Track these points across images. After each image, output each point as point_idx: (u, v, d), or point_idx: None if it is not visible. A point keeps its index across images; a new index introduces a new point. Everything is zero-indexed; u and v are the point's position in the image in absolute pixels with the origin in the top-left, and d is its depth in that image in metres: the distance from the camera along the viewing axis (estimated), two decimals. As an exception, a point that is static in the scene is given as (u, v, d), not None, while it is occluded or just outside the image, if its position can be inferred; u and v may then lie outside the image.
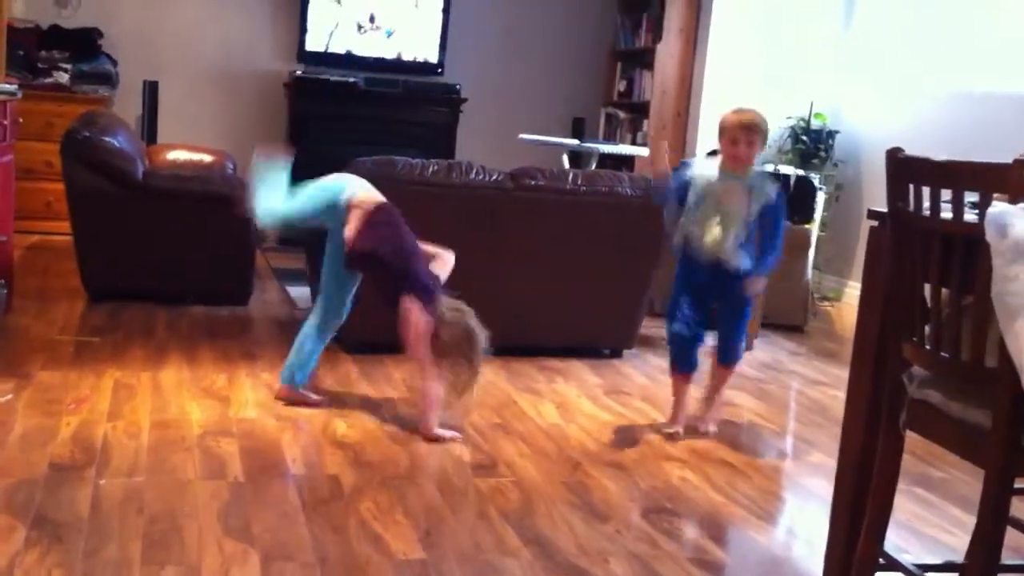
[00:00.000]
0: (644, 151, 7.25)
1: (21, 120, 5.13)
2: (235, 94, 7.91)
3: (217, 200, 5.12)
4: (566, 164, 6.86)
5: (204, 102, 7.83)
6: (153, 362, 4.16)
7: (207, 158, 6.06)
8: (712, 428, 3.93)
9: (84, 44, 7.23)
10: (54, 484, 2.86)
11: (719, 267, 3.77)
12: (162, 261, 5.12)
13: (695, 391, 4.01)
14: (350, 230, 3.61)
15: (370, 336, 4.52)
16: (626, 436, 3.79)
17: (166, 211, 5.07)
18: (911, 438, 2.40)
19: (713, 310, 3.89)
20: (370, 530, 2.76)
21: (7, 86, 4.61)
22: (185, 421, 3.50)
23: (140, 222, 5.07)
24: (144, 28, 7.62)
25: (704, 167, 3.85)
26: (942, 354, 2.22)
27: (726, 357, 3.95)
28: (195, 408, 3.64)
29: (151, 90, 7.26)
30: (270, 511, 2.84)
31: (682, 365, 3.88)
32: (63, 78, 7.04)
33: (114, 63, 7.34)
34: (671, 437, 3.81)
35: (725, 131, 3.75)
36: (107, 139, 5.06)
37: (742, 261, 3.76)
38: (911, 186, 2.26)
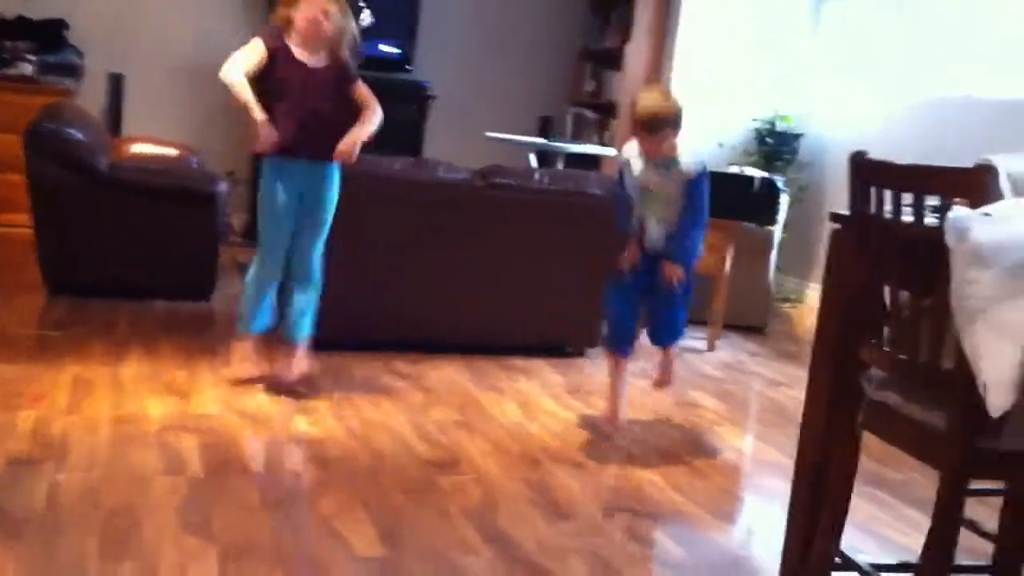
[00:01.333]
0: (611, 151, 7.26)
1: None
2: (201, 88, 7.82)
3: (182, 194, 5.09)
4: (533, 163, 6.87)
5: (171, 95, 7.76)
6: (113, 357, 4.12)
7: (172, 152, 6.02)
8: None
9: (50, 35, 7.15)
10: (11, 479, 2.83)
11: (651, 254, 3.79)
12: (125, 255, 5.07)
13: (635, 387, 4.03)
14: None
15: (334, 334, 4.51)
16: (588, 435, 3.80)
17: (130, 205, 5.02)
18: (868, 439, 2.42)
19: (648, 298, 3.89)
20: (330, 528, 2.75)
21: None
22: (145, 416, 3.47)
23: (103, 215, 5.02)
24: (111, 20, 7.54)
25: (633, 152, 3.80)
26: (900, 356, 2.24)
27: (667, 337, 3.93)
28: (155, 403, 3.62)
29: (116, 82, 7.20)
30: (230, 508, 2.83)
31: (619, 343, 3.87)
32: (28, 69, 6.97)
33: (80, 55, 7.27)
34: (608, 438, 3.79)
35: (633, 124, 3.72)
36: (71, 131, 5.01)
37: (675, 249, 3.75)
38: (873, 189, 2.28)
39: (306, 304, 3.94)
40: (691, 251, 3.78)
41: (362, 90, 3.85)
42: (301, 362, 3.94)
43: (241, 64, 3.68)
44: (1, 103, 6.30)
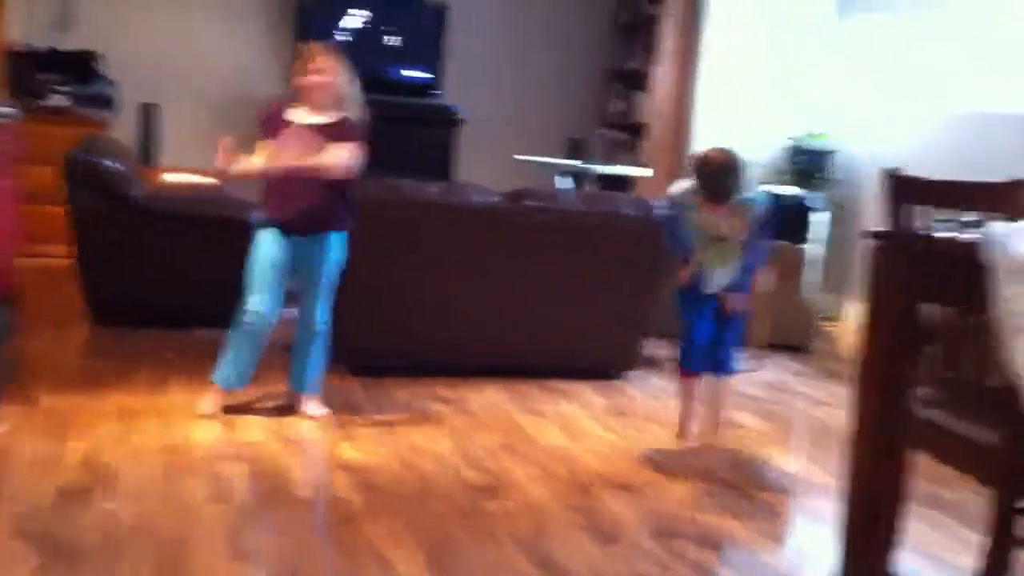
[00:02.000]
0: (647, 172, 7.26)
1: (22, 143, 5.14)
2: (236, 117, 7.87)
3: (220, 223, 5.12)
4: (567, 184, 6.87)
5: (205, 125, 7.82)
6: (158, 386, 4.15)
7: (208, 180, 6.06)
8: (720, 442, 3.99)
9: (82, 67, 7.24)
10: (62, 509, 2.86)
11: (712, 294, 3.85)
12: (165, 284, 5.10)
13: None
14: None
15: (374, 358, 4.53)
16: (633, 457, 3.79)
17: (171, 235, 5.06)
18: (923, 458, 2.40)
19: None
20: (379, 553, 2.75)
21: (7, 109, 4.62)
22: (191, 445, 3.49)
23: (142, 245, 5.06)
24: (146, 51, 7.63)
25: (690, 196, 3.82)
26: (945, 373, 2.23)
27: (723, 367, 3.96)
28: (200, 431, 3.64)
29: (147, 113, 7.27)
30: (278, 535, 2.84)
31: (693, 365, 3.91)
32: (62, 101, 7.06)
33: (113, 86, 7.36)
34: (692, 450, 3.86)
35: (698, 184, 3.74)
36: (107, 162, 5.06)
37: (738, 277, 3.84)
38: (910, 206, 2.28)
39: (306, 357, 3.93)
40: (756, 265, 3.87)
41: (340, 148, 3.78)
42: (314, 410, 3.92)
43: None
44: (36, 135, 6.34)
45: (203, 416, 3.79)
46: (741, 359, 4.06)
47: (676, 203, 3.89)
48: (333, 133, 3.76)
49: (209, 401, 3.85)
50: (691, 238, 3.83)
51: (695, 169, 3.79)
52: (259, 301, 3.78)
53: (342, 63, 3.79)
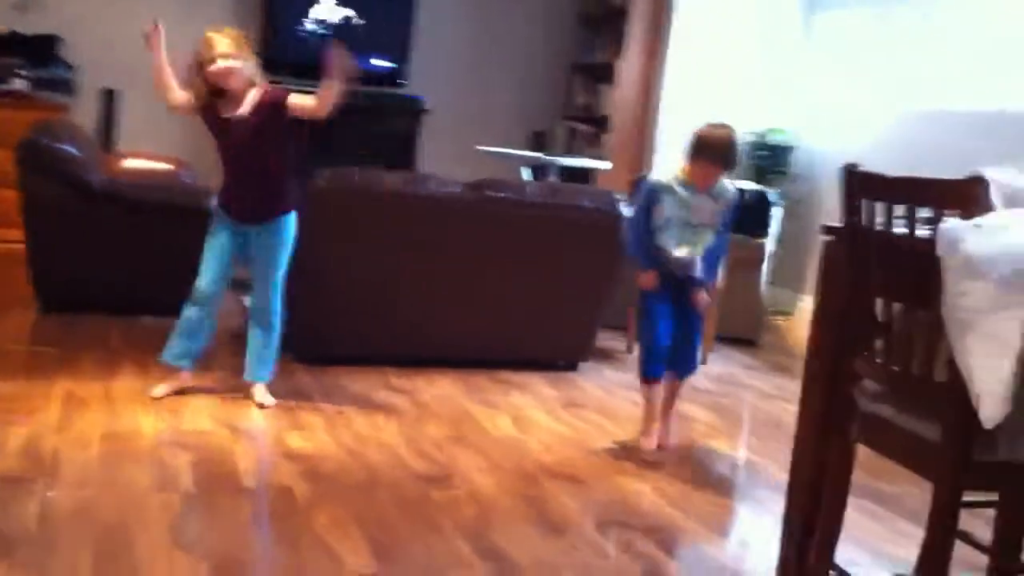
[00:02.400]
0: (606, 165, 7.28)
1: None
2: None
3: (174, 209, 5.07)
4: (526, 177, 6.88)
5: (164, 111, 7.74)
6: (105, 373, 4.11)
7: (165, 167, 6.01)
8: (674, 441, 3.94)
9: (43, 51, 7.15)
10: (2, 497, 2.82)
11: (685, 278, 3.81)
12: (116, 270, 5.05)
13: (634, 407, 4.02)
14: None
15: (326, 347, 4.50)
16: (582, 449, 3.80)
17: (123, 220, 5.00)
18: (862, 452, 2.42)
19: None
20: (324, 543, 2.74)
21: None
22: (137, 433, 3.46)
23: (96, 231, 5.00)
24: (105, 36, 7.54)
25: (667, 179, 3.79)
26: (893, 368, 2.24)
27: (688, 368, 3.93)
28: (147, 419, 3.60)
29: (108, 98, 7.20)
30: (222, 524, 2.82)
31: (658, 370, 3.85)
32: (21, 85, 6.97)
33: (73, 70, 7.27)
34: (651, 462, 3.73)
35: (701, 156, 3.69)
36: (64, 147, 5.00)
37: (704, 271, 3.84)
38: (865, 201, 2.28)
39: (263, 345, 3.92)
40: (715, 274, 3.93)
41: (298, 98, 3.80)
42: (264, 399, 3.91)
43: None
44: (-7, 119, 6.29)
45: (154, 399, 3.78)
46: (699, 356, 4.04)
47: (655, 187, 3.78)
48: (267, 109, 3.75)
49: (162, 386, 3.85)
50: (665, 226, 3.77)
51: (702, 142, 3.70)
52: (206, 282, 3.82)
53: (241, 43, 3.76)
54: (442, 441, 3.71)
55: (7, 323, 4.74)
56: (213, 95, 3.74)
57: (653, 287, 3.81)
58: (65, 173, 4.94)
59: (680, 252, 3.78)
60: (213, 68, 3.70)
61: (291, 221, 3.86)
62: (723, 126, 3.75)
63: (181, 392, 3.89)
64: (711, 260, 3.86)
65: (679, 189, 3.75)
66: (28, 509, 2.75)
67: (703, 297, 3.85)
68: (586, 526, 3.06)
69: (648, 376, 3.86)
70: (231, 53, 3.71)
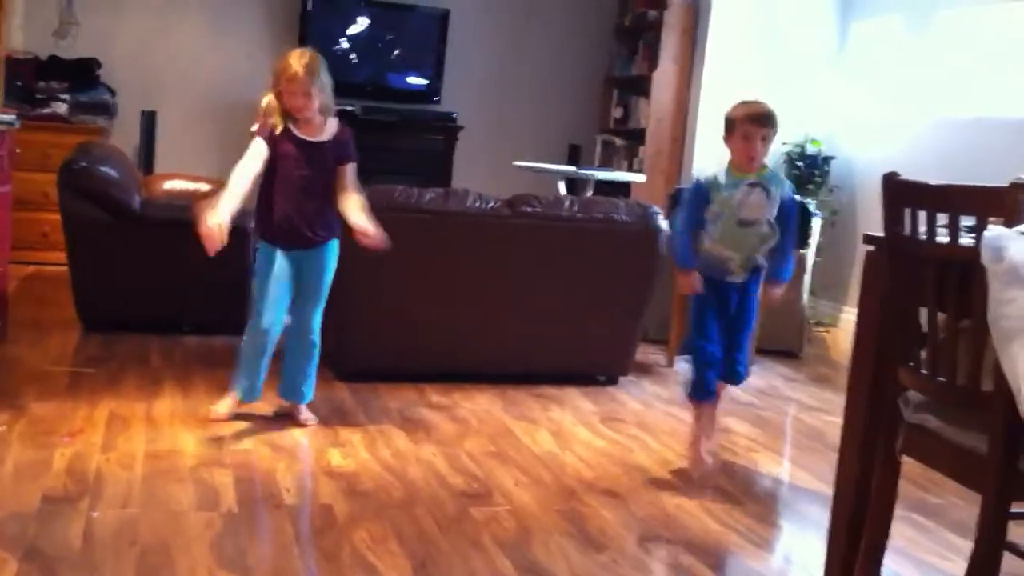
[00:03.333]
0: (641, 177, 7.26)
1: (19, 150, 5.14)
2: (233, 123, 7.90)
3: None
4: (562, 191, 6.87)
5: (202, 132, 7.85)
6: (147, 392, 4.14)
7: (204, 187, 6.06)
8: (712, 459, 3.79)
9: (82, 74, 7.26)
10: (47, 517, 2.84)
11: (743, 283, 3.68)
12: (158, 290, 5.10)
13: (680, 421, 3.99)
14: None
15: (364, 364, 4.51)
16: (622, 464, 3.77)
17: (162, 241, 5.05)
18: (908, 463, 2.39)
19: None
20: (364, 560, 2.74)
21: (5, 116, 4.63)
22: (179, 452, 3.48)
23: (136, 252, 5.06)
24: (143, 58, 7.65)
25: (716, 173, 3.62)
26: (938, 378, 2.21)
27: (734, 376, 3.79)
28: (189, 439, 3.62)
29: (148, 120, 7.28)
30: (264, 542, 2.82)
31: (709, 388, 3.69)
32: (61, 108, 7.06)
33: (112, 93, 7.37)
34: (701, 480, 3.64)
35: (736, 126, 3.51)
36: (104, 169, 5.06)
37: (763, 271, 3.68)
38: (907, 210, 2.26)
39: (304, 367, 3.91)
40: (790, 271, 3.66)
41: (352, 173, 3.80)
42: (308, 418, 3.92)
43: (246, 171, 3.72)
44: (35, 142, 6.37)
45: (216, 419, 3.82)
46: (749, 365, 3.96)
47: (702, 183, 3.63)
48: (336, 150, 3.76)
49: (226, 404, 3.89)
50: (713, 223, 3.60)
51: (733, 112, 3.57)
52: (269, 320, 3.80)
53: (317, 67, 3.67)
54: (481, 457, 3.70)
55: (51, 344, 4.79)
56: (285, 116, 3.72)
57: (695, 290, 3.63)
58: (106, 195, 4.99)
59: (726, 253, 3.60)
60: (292, 92, 3.65)
61: (337, 246, 3.87)
62: (755, 102, 3.60)
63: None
64: (785, 257, 3.63)
65: (725, 182, 3.57)
66: (72, 528, 2.77)
67: (775, 291, 3.66)
68: (627, 541, 3.04)
69: (696, 396, 3.70)
70: (310, 78, 3.63)
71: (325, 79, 3.69)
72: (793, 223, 3.67)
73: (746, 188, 3.57)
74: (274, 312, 3.81)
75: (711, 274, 3.67)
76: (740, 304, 3.72)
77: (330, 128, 3.77)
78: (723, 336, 3.70)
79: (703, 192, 3.62)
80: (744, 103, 3.60)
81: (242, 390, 3.89)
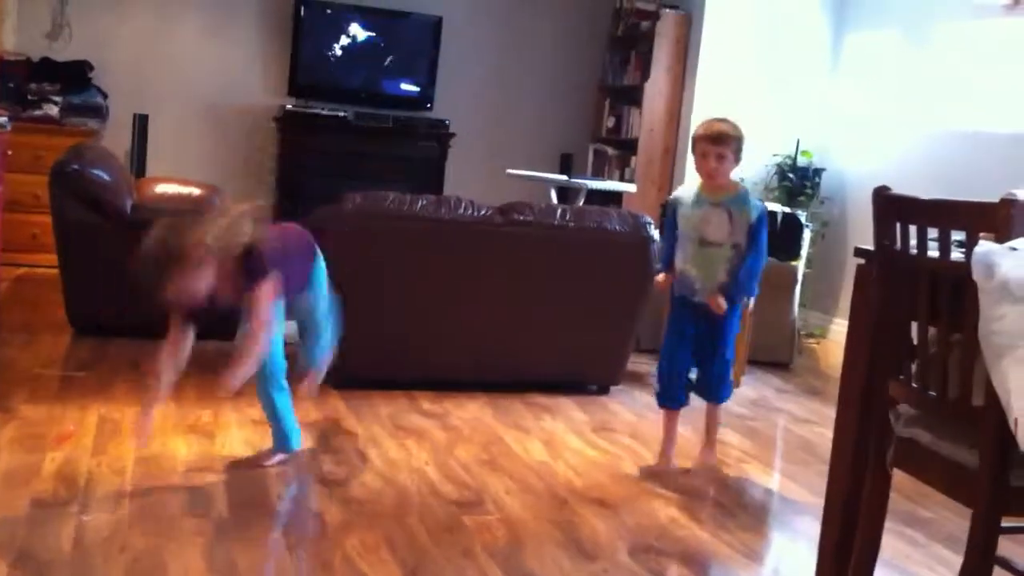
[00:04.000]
0: (632, 187, 7.28)
1: (10, 152, 5.13)
2: (226, 128, 7.93)
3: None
4: (554, 199, 6.88)
5: (194, 136, 7.84)
6: (138, 397, 4.11)
7: (196, 192, 6.06)
8: (706, 470, 3.89)
9: (75, 77, 7.24)
10: (37, 521, 2.83)
11: (699, 305, 3.73)
12: (148, 295, 5.08)
13: (684, 430, 4.00)
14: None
15: (356, 372, 4.51)
16: (614, 473, 3.78)
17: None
18: (898, 476, 2.40)
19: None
20: (355, 568, 2.74)
21: (-4, 118, 4.62)
22: (170, 457, 3.48)
23: (128, 256, 5.03)
24: (135, 61, 7.64)
25: (686, 191, 3.76)
26: (929, 392, 2.22)
27: (713, 394, 3.88)
28: (180, 444, 3.62)
29: (141, 123, 7.27)
30: (255, 548, 2.82)
31: (672, 398, 3.83)
32: (53, 110, 7.05)
33: (104, 96, 7.36)
34: (684, 484, 3.71)
35: (695, 144, 3.63)
36: (96, 172, 5.05)
37: (734, 287, 3.70)
38: (898, 224, 2.27)
39: (321, 349, 3.79)
40: (749, 290, 3.76)
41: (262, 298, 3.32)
42: (313, 386, 3.78)
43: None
44: (27, 144, 6.36)
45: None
46: (731, 384, 3.95)
47: (669, 200, 3.82)
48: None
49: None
50: (680, 243, 3.72)
51: (695, 132, 3.67)
52: (281, 362, 3.53)
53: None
54: (473, 465, 3.70)
55: (41, 347, 4.78)
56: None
57: (663, 289, 3.81)
58: (97, 198, 4.98)
59: (691, 271, 3.70)
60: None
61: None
62: (716, 120, 3.67)
63: (214, 417, 3.89)
64: (745, 278, 3.68)
65: (691, 201, 3.68)
66: (63, 532, 2.77)
67: (716, 301, 3.65)
68: (619, 551, 3.04)
69: (661, 403, 3.88)
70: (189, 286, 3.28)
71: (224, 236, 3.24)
72: (757, 245, 3.67)
73: (708, 208, 3.67)
74: (280, 352, 3.55)
75: (683, 292, 3.77)
76: (713, 325, 3.75)
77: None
78: (695, 352, 3.80)
79: (670, 209, 3.79)
80: (705, 121, 3.69)
81: (297, 439, 3.64)
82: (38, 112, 7.00)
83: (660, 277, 3.85)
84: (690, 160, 7.19)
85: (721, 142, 3.59)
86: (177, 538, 2.81)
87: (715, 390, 3.86)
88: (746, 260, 3.68)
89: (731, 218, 3.64)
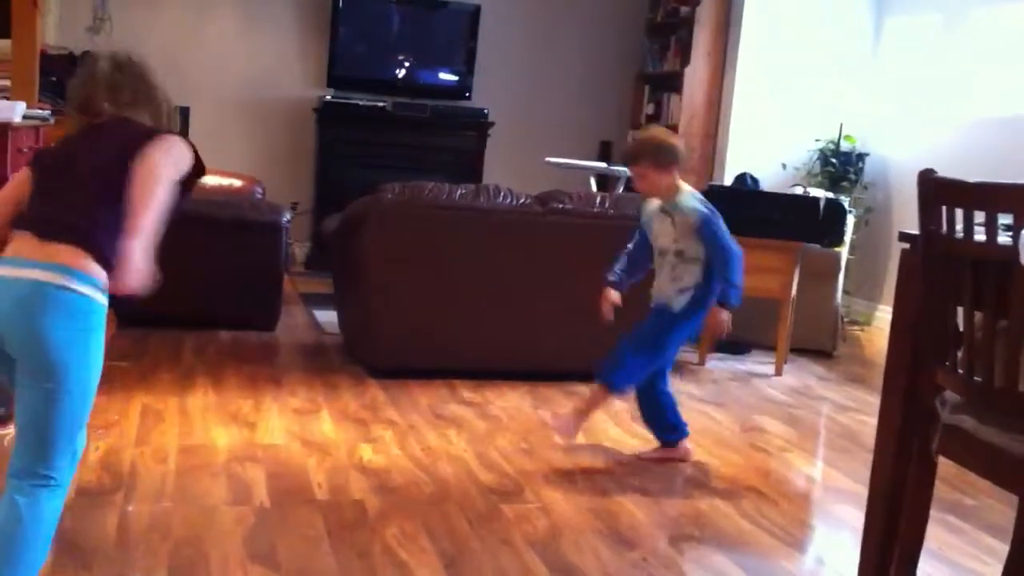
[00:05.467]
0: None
1: (53, 145, 5.17)
2: (264, 119, 7.96)
3: (245, 225, 5.14)
4: (593, 188, 6.85)
5: (234, 127, 7.88)
6: (180, 387, 4.17)
7: (236, 183, 6.09)
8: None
9: (116, 71, 7.29)
10: (82, 509, 2.86)
11: (680, 311, 3.66)
12: (190, 286, 5.11)
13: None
14: None
15: (395, 361, 4.52)
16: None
17: (195, 236, 5.08)
18: (943, 464, 2.36)
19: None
20: (395, 556, 2.74)
21: (40, 111, 4.66)
22: (212, 447, 3.50)
23: (169, 246, 5.07)
24: (175, 54, 7.68)
25: (651, 200, 3.72)
26: (975, 379, 2.18)
27: (607, 377, 3.71)
28: (222, 433, 3.64)
29: (182, 116, 7.30)
30: (295, 537, 2.83)
31: (623, 391, 3.79)
32: (95, 104, 7.10)
33: (146, 89, 7.40)
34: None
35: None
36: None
37: (677, 301, 3.63)
38: (944, 208, 2.23)
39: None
40: (732, 296, 3.52)
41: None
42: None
43: None
44: (69, 138, 6.41)
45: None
46: (625, 377, 3.74)
47: (640, 209, 3.80)
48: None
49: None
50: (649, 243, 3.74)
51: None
52: None
53: None
54: (512, 454, 3.70)
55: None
56: None
57: (610, 312, 3.73)
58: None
59: (657, 279, 3.71)
60: None
61: None
62: (632, 138, 3.67)
63: (255, 406, 3.91)
64: (722, 283, 3.52)
65: (650, 208, 3.70)
66: (106, 521, 2.79)
67: (718, 318, 3.53)
68: (658, 540, 3.03)
69: (616, 386, 3.75)
70: None
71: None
72: (714, 249, 3.54)
73: (659, 216, 3.67)
74: None
75: (657, 300, 3.73)
76: (656, 319, 3.69)
77: None
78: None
79: (642, 218, 3.78)
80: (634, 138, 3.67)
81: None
82: (80, 106, 7.05)
83: (608, 299, 3.75)
84: (731, 146, 7.24)
85: (632, 162, 3.60)
86: (218, 527, 2.83)
87: (606, 368, 3.70)
88: (715, 269, 3.56)
89: (673, 222, 3.61)
